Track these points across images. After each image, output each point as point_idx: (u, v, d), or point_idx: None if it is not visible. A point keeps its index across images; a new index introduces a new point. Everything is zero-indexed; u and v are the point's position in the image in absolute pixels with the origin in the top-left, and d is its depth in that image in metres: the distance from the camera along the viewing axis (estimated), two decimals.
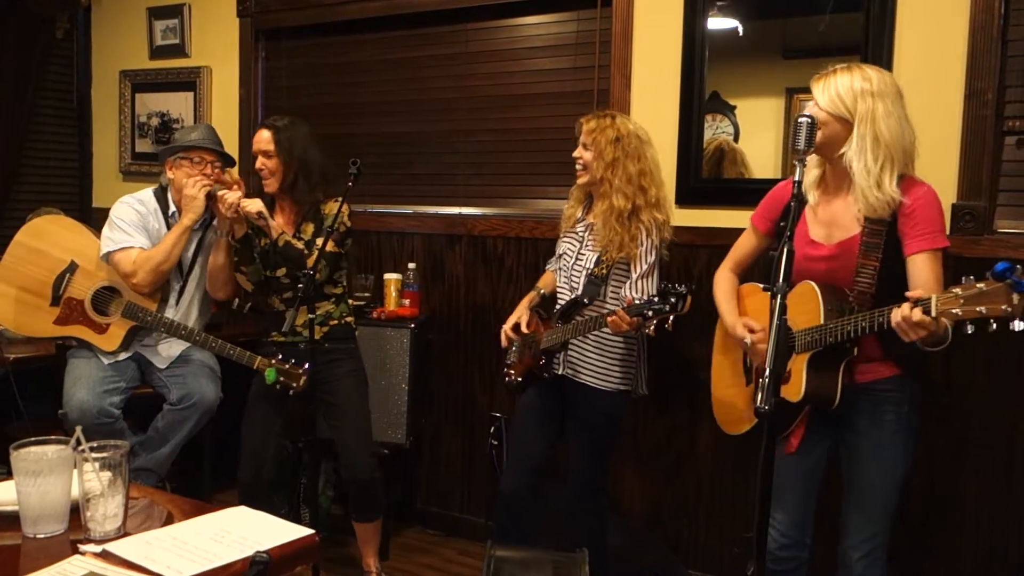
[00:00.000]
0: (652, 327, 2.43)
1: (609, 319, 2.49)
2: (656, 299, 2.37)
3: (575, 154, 2.79)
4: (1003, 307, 1.71)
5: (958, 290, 1.79)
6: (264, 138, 2.98)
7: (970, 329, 1.79)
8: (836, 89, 2.15)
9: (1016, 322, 1.71)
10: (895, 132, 2.12)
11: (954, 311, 1.79)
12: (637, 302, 2.44)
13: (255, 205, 2.89)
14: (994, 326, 1.75)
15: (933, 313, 1.83)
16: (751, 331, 2.32)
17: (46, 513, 1.63)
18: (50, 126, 4.80)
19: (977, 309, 1.75)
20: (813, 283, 2.18)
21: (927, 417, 2.73)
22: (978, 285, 1.76)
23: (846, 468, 2.29)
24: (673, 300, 2.34)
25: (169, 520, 1.75)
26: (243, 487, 3.03)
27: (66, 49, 4.81)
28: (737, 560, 3.18)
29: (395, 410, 3.54)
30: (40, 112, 4.72)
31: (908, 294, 1.92)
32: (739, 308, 2.49)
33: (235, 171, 3.25)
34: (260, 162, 2.99)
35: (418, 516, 3.89)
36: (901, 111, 2.16)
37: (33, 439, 1.68)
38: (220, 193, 2.94)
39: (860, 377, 2.19)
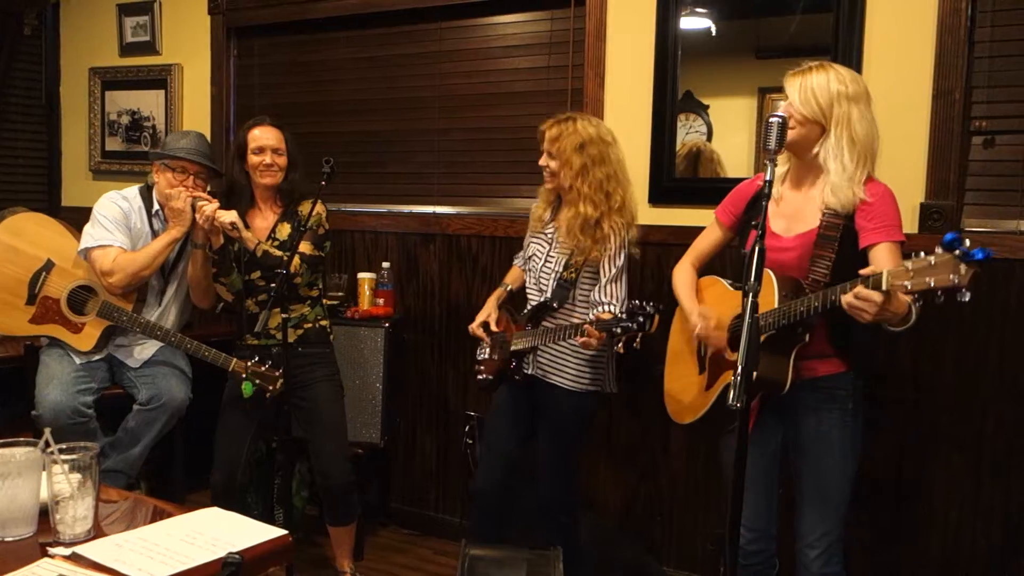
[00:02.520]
0: (621, 344, 2.46)
1: (580, 340, 2.54)
2: (624, 317, 2.42)
3: (541, 162, 2.78)
4: (951, 278, 1.73)
5: (908, 264, 1.81)
6: (276, 135, 3.01)
7: (919, 302, 1.80)
8: (811, 92, 2.17)
9: (963, 293, 1.73)
10: (869, 134, 2.17)
11: (904, 283, 1.81)
12: (606, 318, 2.47)
13: (229, 216, 2.88)
14: (942, 298, 1.76)
15: (884, 287, 1.85)
16: (705, 317, 2.34)
17: (14, 516, 1.61)
18: (18, 124, 4.73)
19: (926, 280, 1.77)
20: (769, 271, 2.20)
21: (896, 412, 2.79)
22: (927, 258, 1.78)
23: (796, 468, 2.31)
24: (640, 319, 2.39)
25: (152, 521, 1.73)
26: (216, 492, 3.00)
27: (34, 46, 4.74)
28: (710, 556, 3.20)
29: (369, 410, 3.53)
30: (8, 110, 4.65)
31: (862, 271, 1.93)
32: (698, 299, 2.51)
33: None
34: (271, 158, 2.98)
35: (393, 515, 3.88)
36: (871, 113, 2.20)
37: (0, 441, 1.66)
38: (199, 204, 2.92)
39: (807, 373, 2.21)
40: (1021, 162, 2.71)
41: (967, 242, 1.71)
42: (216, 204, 2.91)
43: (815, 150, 2.20)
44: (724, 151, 3.19)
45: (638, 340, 2.43)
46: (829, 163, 2.18)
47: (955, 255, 1.72)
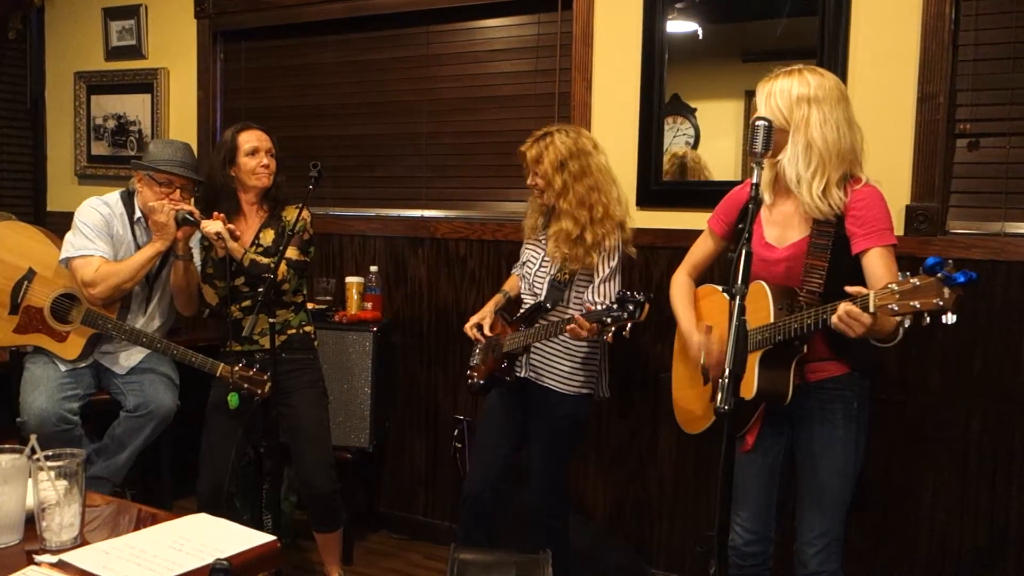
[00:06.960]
0: (610, 334, 2.45)
1: (568, 327, 2.52)
2: (615, 307, 2.41)
3: (528, 182, 2.80)
4: (935, 301, 1.75)
5: (894, 285, 1.82)
6: (267, 138, 3.03)
7: (907, 323, 1.82)
8: (775, 99, 2.17)
9: (948, 315, 1.74)
10: (831, 138, 2.14)
11: (891, 306, 1.82)
12: (596, 308, 2.46)
13: (214, 226, 2.86)
14: (928, 320, 1.78)
15: (871, 309, 1.87)
16: (709, 354, 2.35)
17: (0, 523, 1.60)
18: (3, 128, 4.70)
19: (911, 304, 1.78)
20: (764, 283, 2.21)
21: (884, 414, 2.80)
22: (912, 280, 1.79)
23: (800, 466, 2.32)
24: (631, 308, 2.38)
25: (139, 526, 1.73)
26: (202, 499, 2.98)
27: (18, 50, 4.72)
28: (700, 559, 3.21)
29: (358, 414, 3.52)
30: None
31: (848, 289, 1.95)
32: (696, 309, 2.51)
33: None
34: (267, 160, 2.99)
35: (382, 520, 3.87)
36: (841, 115, 2.16)
37: None
38: (207, 229, 2.88)
39: (811, 376, 2.23)
40: (1005, 164, 2.73)
41: (950, 263, 1.73)
42: (220, 225, 2.87)
43: (778, 157, 2.21)
44: (711, 154, 3.20)
45: (628, 329, 2.43)
46: (788, 171, 2.18)
47: (937, 278, 1.74)
